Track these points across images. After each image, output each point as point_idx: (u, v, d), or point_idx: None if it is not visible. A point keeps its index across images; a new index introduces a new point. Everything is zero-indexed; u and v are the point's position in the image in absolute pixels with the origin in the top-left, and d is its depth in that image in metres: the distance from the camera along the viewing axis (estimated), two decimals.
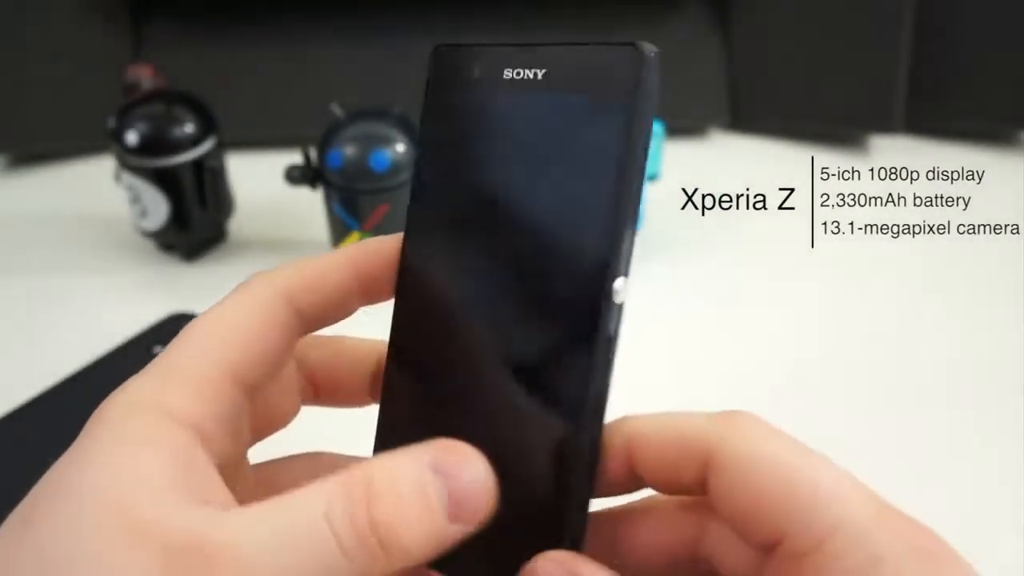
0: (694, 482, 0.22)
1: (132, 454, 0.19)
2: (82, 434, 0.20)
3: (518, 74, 0.25)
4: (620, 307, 0.23)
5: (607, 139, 0.23)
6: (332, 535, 0.19)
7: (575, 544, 0.23)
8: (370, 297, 0.25)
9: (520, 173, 0.24)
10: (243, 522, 0.19)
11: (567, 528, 0.23)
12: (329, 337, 0.26)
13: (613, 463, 0.23)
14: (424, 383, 0.25)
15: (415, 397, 0.25)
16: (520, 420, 0.24)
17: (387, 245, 0.25)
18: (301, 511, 0.19)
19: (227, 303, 0.23)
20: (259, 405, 0.24)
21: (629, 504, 0.24)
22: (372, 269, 0.25)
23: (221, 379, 0.22)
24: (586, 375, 0.23)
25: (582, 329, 0.23)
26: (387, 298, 0.25)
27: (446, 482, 0.20)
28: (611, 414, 0.24)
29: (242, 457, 0.24)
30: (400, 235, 0.26)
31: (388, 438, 0.25)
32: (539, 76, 0.24)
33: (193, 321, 0.22)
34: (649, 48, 0.23)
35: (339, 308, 0.25)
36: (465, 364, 0.24)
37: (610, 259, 0.23)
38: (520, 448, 0.23)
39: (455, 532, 0.20)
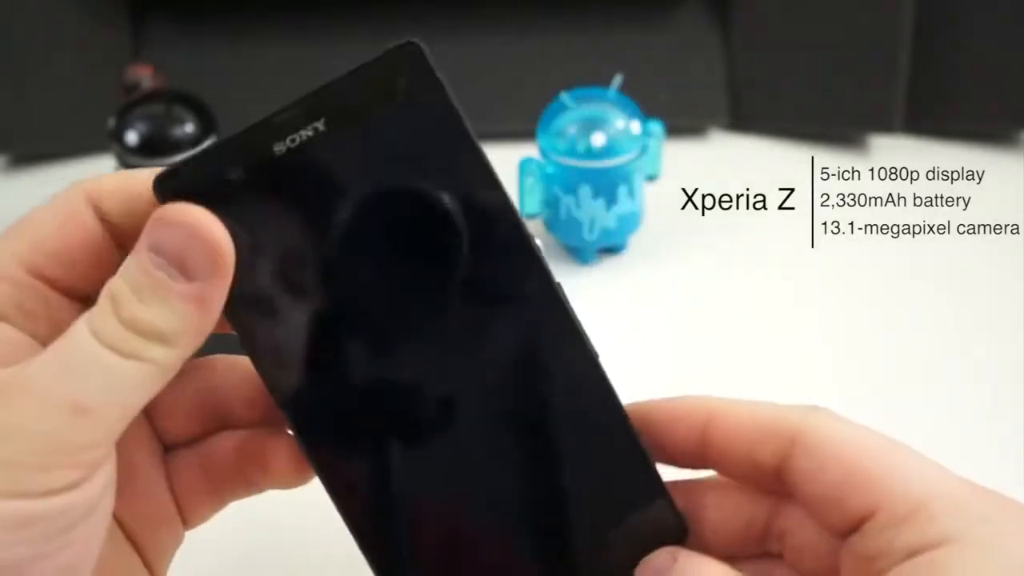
0: (769, 465, 0.23)
1: None
2: None
3: (293, 140, 0.22)
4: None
5: (446, 141, 0.22)
6: (96, 339, 0.21)
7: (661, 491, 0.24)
8: None
9: (381, 235, 0.22)
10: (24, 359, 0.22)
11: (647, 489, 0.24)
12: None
13: (686, 432, 0.24)
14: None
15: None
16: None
17: None
18: (69, 334, 0.21)
19: (39, 205, 0.24)
20: (68, 265, 0.24)
21: (704, 479, 0.25)
22: None
23: (13, 268, 0.23)
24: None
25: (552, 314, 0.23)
26: None
27: (165, 253, 0.22)
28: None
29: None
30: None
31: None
32: (321, 127, 0.22)
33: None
34: (417, 41, 0.22)
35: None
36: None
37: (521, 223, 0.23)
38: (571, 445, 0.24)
39: (206, 288, 0.22)
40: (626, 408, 0.24)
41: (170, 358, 0.22)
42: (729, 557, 0.24)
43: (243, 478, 0.27)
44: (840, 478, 0.22)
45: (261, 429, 0.27)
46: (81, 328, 0.21)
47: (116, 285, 0.22)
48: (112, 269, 0.23)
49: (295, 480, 0.26)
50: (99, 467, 0.21)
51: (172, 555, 0.27)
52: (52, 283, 0.24)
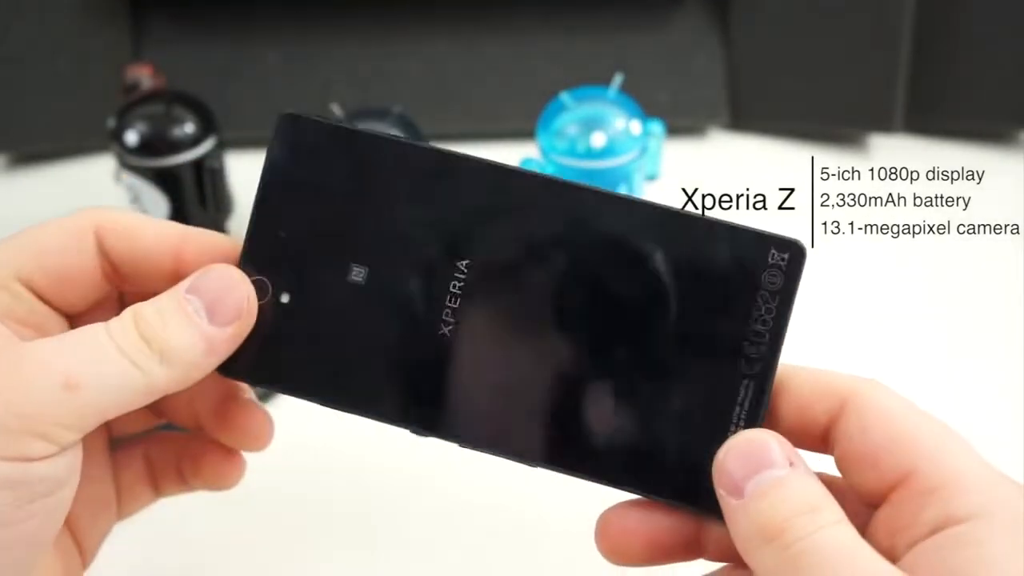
0: (819, 423, 0.24)
1: None
2: None
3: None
4: None
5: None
6: (111, 341, 0.23)
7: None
8: (177, 280, 0.25)
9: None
10: (33, 342, 0.23)
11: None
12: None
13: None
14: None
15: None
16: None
17: (219, 243, 0.26)
18: (84, 330, 0.23)
19: (50, 221, 0.26)
20: (59, 284, 0.26)
21: None
22: (194, 258, 0.26)
23: (8, 275, 0.25)
24: None
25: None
26: None
27: (200, 295, 0.24)
28: None
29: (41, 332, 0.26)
30: (233, 240, 0.26)
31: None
32: None
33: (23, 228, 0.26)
34: None
35: (150, 270, 0.26)
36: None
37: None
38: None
39: (223, 333, 0.24)
40: None
41: (160, 379, 0.23)
42: None
43: (178, 476, 0.30)
44: (879, 440, 0.23)
45: (199, 435, 0.29)
46: (97, 326, 0.23)
47: (143, 306, 0.24)
48: (98, 299, 0.26)
49: (222, 484, 0.29)
50: (69, 449, 0.22)
51: (103, 540, 0.29)
52: (41, 295, 0.26)
